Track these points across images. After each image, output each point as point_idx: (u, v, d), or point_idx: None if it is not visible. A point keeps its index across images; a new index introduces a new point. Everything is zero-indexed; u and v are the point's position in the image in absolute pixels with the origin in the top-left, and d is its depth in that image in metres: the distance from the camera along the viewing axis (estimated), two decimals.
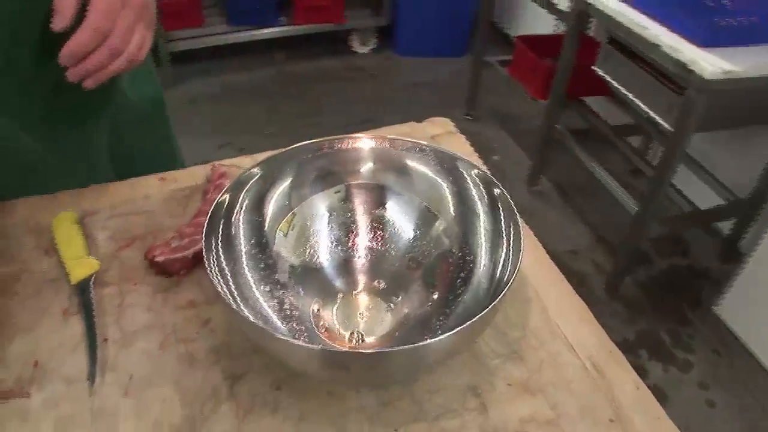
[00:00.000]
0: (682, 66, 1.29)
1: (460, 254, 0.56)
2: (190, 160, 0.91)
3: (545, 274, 0.62)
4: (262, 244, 0.55)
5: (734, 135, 1.85)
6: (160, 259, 0.59)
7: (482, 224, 0.56)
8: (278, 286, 0.54)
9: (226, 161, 0.75)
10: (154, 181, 0.73)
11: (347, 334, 0.54)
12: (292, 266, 0.55)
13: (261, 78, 3.01)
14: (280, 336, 0.40)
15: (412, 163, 0.58)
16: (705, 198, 1.90)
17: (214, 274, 0.46)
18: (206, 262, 0.46)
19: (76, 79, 0.58)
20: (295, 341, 0.42)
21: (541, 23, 2.66)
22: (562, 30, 1.79)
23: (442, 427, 0.47)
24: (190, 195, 0.71)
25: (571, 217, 2.10)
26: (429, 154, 0.58)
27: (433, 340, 0.40)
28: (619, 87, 1.57)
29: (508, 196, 0.53)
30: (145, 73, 0.82)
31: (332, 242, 0.58)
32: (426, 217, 0.58)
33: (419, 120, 0.85)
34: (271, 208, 0.55)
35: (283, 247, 0.55)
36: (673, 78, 1.40)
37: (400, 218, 0.59)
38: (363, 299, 0.57)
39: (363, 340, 0.53)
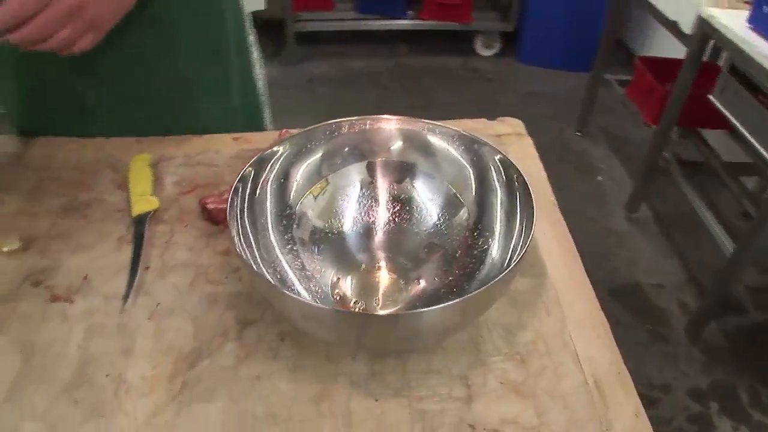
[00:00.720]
0: None
1: (478, 239, 0.58)
2: None
3: (574, 285, 0.61)
4: (289, 204, 0.58)
5: None
6: (210, 206, 0.64)
7: (499, 207, 0.57)
8: (298, 244, 0.57)
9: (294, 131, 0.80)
10: (228, 139, 0.79)
11: (359, 306, 0.56)
12: (314, 227, 0.59)
13: (379, 67, 3.08)
14: (272, 282, 0.43)
15: (441, 146, 0.60)
16: None
17: (235, 225, 0.50)
18: (229, 217, 0.49)
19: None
20: (288, 293, 0.44)
21: (673, 46, 2.52)
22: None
23: (423, 409, 0.48)
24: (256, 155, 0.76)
25: (665, 250, 1.99)
26: (458, 139, 0.60)
27: (423, 309, 0.42)
28: (735, 121, 1.47)
29: (526, 179, 0.53)
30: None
31: (358, 214, 0.61)
32: (452, 202, 0.60)
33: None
34: (302, 174, 0.59)
35: (310, 209, 0.59)
36: None
37: (426, 200, 0.61)
38: (380, 274, 0.59)
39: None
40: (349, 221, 0.61)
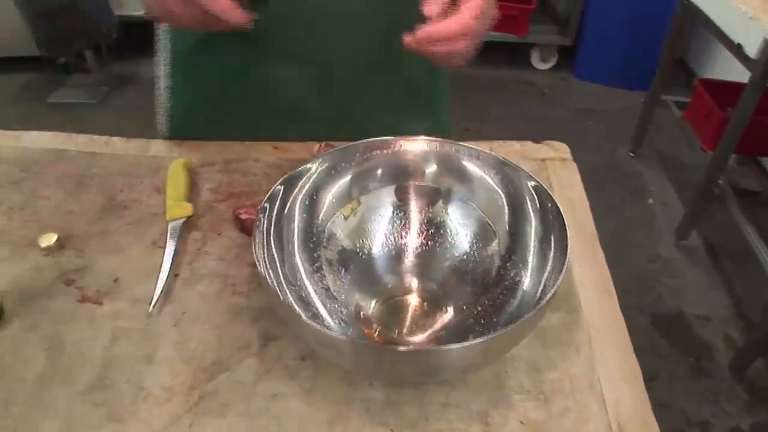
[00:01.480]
0: None
1: (510, 270, 0.56)
2: None
3: (608, 323, 0.58)
4: (318, 223, 0.58)
5: None
6: (243, 216, 0.64)
7: (533, 238, 0.55)
8: (325, 264, 0.57)
9: (338, 143, 0.79)
10: (269, 147, 0.79)
11: (381, 329, 0.55)
12: (343, 247, 0.58)
13: None
14: (289, 305, 0.43)
15: (475, 170, 0.59)
16: None
17: (261, 243, 0.50)
18: (254, 234, 0.49)
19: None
20: (304, 318, 0.44)
21: (736, 69, 2.43)
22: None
23: None
24: (295, 166, 0.75)
25: (713, 281, 1.91)
26: (493, 164, 0.58)
27: (444, 347, 0.41)
28: None
29: (562, 210, 0.52)
30: None
31: (388, 236, 0.60)
32: (484, 230, 0.58)
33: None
34: (333, 193, 0.58)
35: (339, 229, 0.58)
36: None
37: (458, 225, 0.60)
38: (407, 299, 0.58)
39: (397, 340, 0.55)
40: (378, 243, 0.60)
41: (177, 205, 0.66)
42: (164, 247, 0.62)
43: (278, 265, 0.53)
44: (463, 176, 0.60)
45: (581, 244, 0.65)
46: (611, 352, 0.56)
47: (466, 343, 0.41)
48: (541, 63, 3.21)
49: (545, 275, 0.53)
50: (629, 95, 2.93)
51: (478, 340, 0.41)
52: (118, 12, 2.54)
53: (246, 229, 0.65)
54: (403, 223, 0.61)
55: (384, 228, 0.60)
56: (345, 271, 0.57)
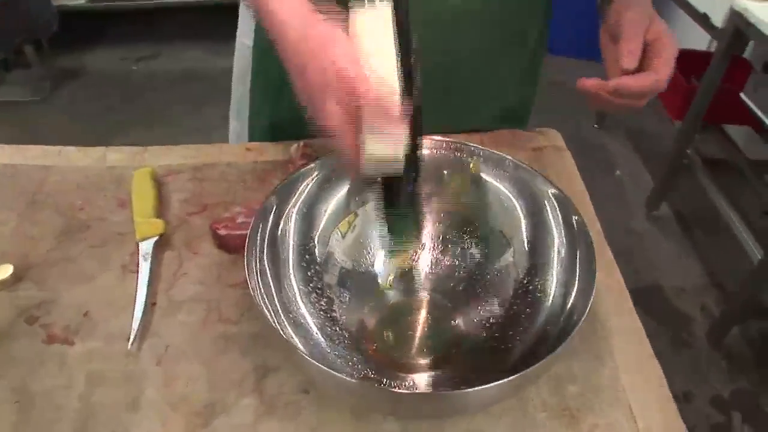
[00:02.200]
0: None
1: (528, 284, 0.51)
2: None
3: (627, 328, 0.55)
4: (312, 243, 0.52)
5: None
6: (222, 232, 0.58)
7: (554, 251, 0.51)
8: (323, 282, 0.51)
9: (315, 141, 0.73)
10: (240, 149, 0.73)
11: (389, 350, 0.50)
12: (343, 269, 0.52)
13: None
14: (291, 342, 0.38)
15: (488, 177, 0.54)
16: None
17: (253, 268, 0.44)
18: (246, 260, 0.44)
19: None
20: (306, 357, 0.38)
21: (696, 38, 2.44)
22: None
23: None
24: (271, 170, 0.69)
25: (686, 251, 1.93)
26: (508, 167, 0.53)
27: (458, 391, 0.36)
28: (766, 119, 1.40)
29: (588, 229, 0.47)
30: None
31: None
32: (498, 242, 0.53)
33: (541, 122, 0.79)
34: (329, 208, 0.52)
35: (337, 248, 0.52)
36: None
37: (469, 237, 0.55)
38: (415, 315, 0.53)
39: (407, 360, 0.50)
40: (380, 259, 0.54)
41: (146, 223, 0.59)
42: (136, 272, 0.56)
43: (272, 286, 0.47)
44: (473, 183, 0.55)
45: None
46: (634, 359, 0.53)
47: (482, 387, 0.36)
48: None
49: (572, 289, 0.48)
50: (596, 66, 2.92)
51: (496, 383, 0.36)
52: (57, 2, 2.38)
53: (225, 245, 0.58)
54: None
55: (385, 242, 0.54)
56: (346, 287, 0.52)
